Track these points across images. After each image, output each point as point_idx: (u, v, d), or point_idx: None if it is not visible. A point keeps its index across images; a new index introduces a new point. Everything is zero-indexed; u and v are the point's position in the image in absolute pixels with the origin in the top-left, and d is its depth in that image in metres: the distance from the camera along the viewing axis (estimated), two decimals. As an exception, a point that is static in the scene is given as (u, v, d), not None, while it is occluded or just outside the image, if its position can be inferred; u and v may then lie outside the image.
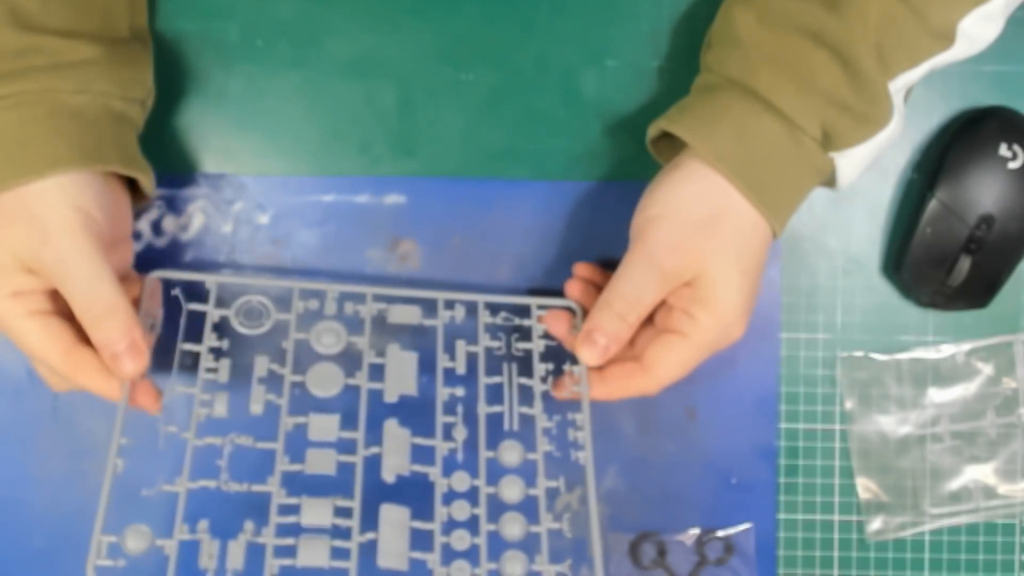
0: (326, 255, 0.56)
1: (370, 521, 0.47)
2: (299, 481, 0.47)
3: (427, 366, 0.51)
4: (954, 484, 0.56)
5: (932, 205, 0.55)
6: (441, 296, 0.52)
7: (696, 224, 0.47)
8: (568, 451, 0.50)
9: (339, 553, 0.46)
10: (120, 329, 0.45)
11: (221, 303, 0.51)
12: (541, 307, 0.52)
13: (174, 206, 0.56)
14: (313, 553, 0.46)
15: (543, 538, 0.48)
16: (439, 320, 0.52)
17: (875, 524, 0.56)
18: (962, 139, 0.55)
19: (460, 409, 0.50)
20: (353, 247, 0.56)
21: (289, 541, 0.46)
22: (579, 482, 0.50)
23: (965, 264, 0.55)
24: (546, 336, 0.52)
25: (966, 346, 0.57)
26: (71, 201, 0.45)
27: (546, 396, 0.51)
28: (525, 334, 0.52)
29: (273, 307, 0.51)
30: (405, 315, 0.52)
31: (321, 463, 0.48)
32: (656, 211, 0.48)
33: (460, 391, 0.50)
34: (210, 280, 0.51)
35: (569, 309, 0.52)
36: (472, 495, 0.48)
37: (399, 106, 0.56)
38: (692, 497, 0.56)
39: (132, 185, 0.50)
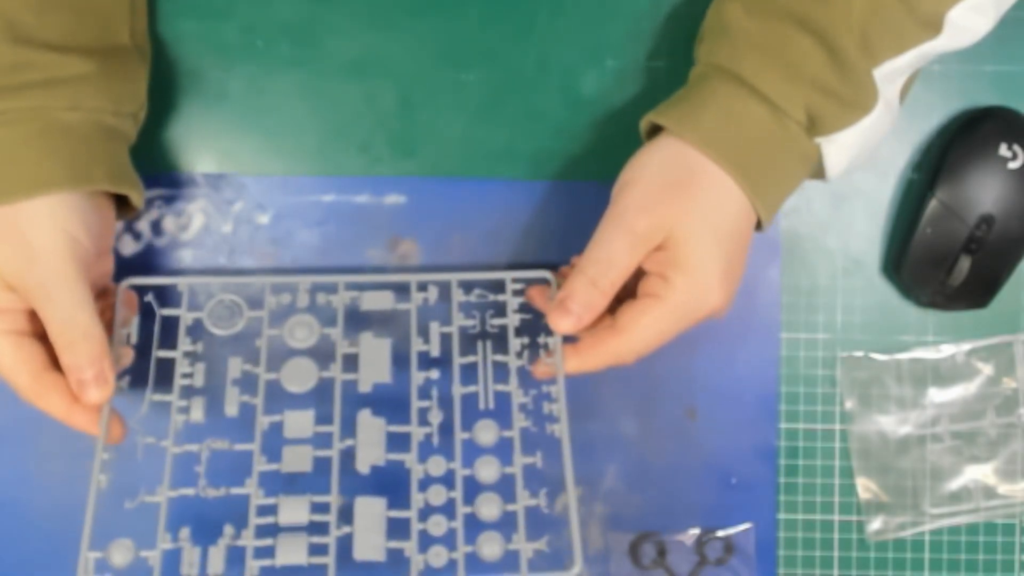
0: (326, 255, 0.56)
1: (347, 515, 0.47)
2: (277, 480, 0.48)
3: (401, 352, 0.51)
4: (954, 484, 0.56)
5: (932, 205, 0.55)
6: (413, 278, 0.52)
7: (666, 186, 0.47)
8: (544, 425, 0.49)
9: (317, 549, 0.46)
10: (91, 357, 0.45)
11: (194, 306, 0.51)
12: (516, 280, 0.52)
13: (174, 206, 0.56)
14: (291, 551, 0.46)
15: (520, 516, 0.47)
16: (412, 303, 0.51)
17: (875, 524, 0.56)
18: (962, 139, 0.55)
19: (435, 392, 0.50)
20: (353, 247, 0.56)
21: (268, 541, 0.46)
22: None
23: (965, 264, 0.55)
24: (522, 310, 0.51)
25: (966, 346, 0.57)
26: (60, 225, 0.45)
27: (522, 371, 0.50)
28: (500, 310, 0.52)
29: (245, 305, 0.52)
30: (378, 301, 0.51)
31: (297, 460, 0.48)
32: (628, 176, 0.48)
33: (435, 374, 0.50)
34: (182, 283, 0.52)
35: (545, 281, 0.52)
36: (448, 479, 0.48)
37: (399, 106, 0.56)
38: (692, 497, 0.56)
39: (120, 196, 0.50)
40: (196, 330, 0.51)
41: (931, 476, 0.56)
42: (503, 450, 0.49)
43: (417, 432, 0.49)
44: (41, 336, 0.46)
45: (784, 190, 0.49)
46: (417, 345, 0.51)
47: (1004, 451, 0.57)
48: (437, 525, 0.48)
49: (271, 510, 0.47)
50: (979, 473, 0.56)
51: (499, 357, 0.51)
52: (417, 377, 0.50)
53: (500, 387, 0.50)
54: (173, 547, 0.46)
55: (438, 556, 0.47)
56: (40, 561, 0.55)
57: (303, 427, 0.49)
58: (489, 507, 0.48)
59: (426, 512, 0.48)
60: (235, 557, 0.46)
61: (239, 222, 0.56)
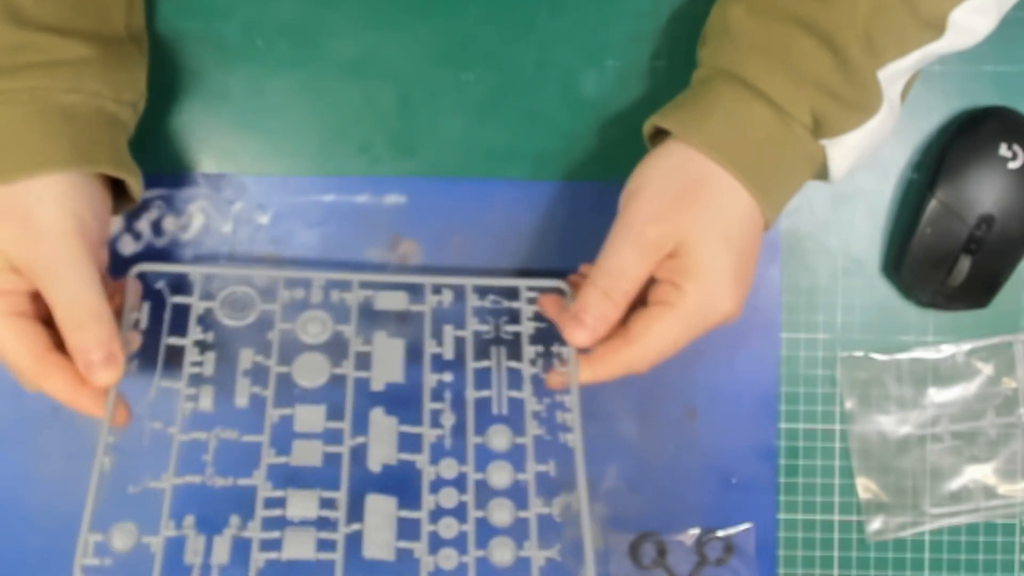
0: (326, 255, 0.56)
1: (356, 512, 0.47)
2: (285, 473, 0.47)
3: (414, 353, 0.51)
4: (954, 484, 0.56)
5: (932, 205, 0.55)
6: (429, 281, 0.52)
7: (675, 193, 0.46)
8: (557, 434, 0.49)
9: (325, 545, 0.46)
10: (100, 338, 0.44)
11: (206, 295, 0.51)
12: (531, 288, 0.52)
13: (174, 206, 0.56)
14: (298, 546, 0.45)
15: (532, 523, 0.47)
16: (426, 305, 0.51)
17: (875, 524, 0.56)
18: (962, 139, 0.55)
19: (448, 395, 0.50)
20: (353, 247, 0.56)
21: (275, 534, 0.46)
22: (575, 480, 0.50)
23: (965, 264, 0.55)
24: (536, 318, 0.51)
25: (966, 346, 0.57)
26: (67, 204, 0.45)
27: (535, 379, 0.50)
28: (514, 317, 0.52)
29: (258, 297, 0.51)
30: (392, 301, 0.51)
31: (307, 454, 0.48)
32: (635, 184, 0.48)
33: (448, 377, 0.50)
34: (195, 272, 0.51)
35: (559, 290, 0.51)
36: (460, 482, 0.48)
37: (399, 106, 0.56)
38: (692, 497, 0.56)
39: (117, 188, 0.50)
40: (207, 320, 0.50)
41: (931, 476, 0.56)
42: (515, 456, 0.49)
43: (429, 434, 0.49)
44: (43, 320, 0.46)
45: (788, 192, 0.48)
46: (431, 347, 0.50)
47: (1004, 451, 0.57)
48: (448, 527, 0.47)
49: (279, 503, 0.46)
50: (979, 473, 0.56)
51: (513, 363, 0.51)
52: (430, 379, 0.50)
53: (514, 393, 0.50)
54: (177, 534, 0.45)
55: (448, 558, 0.46)
56: (38, 561, 0.55)
57: (314, 422, 0.48)
58: (501, 512, 0.48)
59: (437, 514, 0.47)
60: (240, 549, 0.46)
61: (239, 222, 0.56)
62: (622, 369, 0.48)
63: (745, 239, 0.47)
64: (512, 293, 0.52)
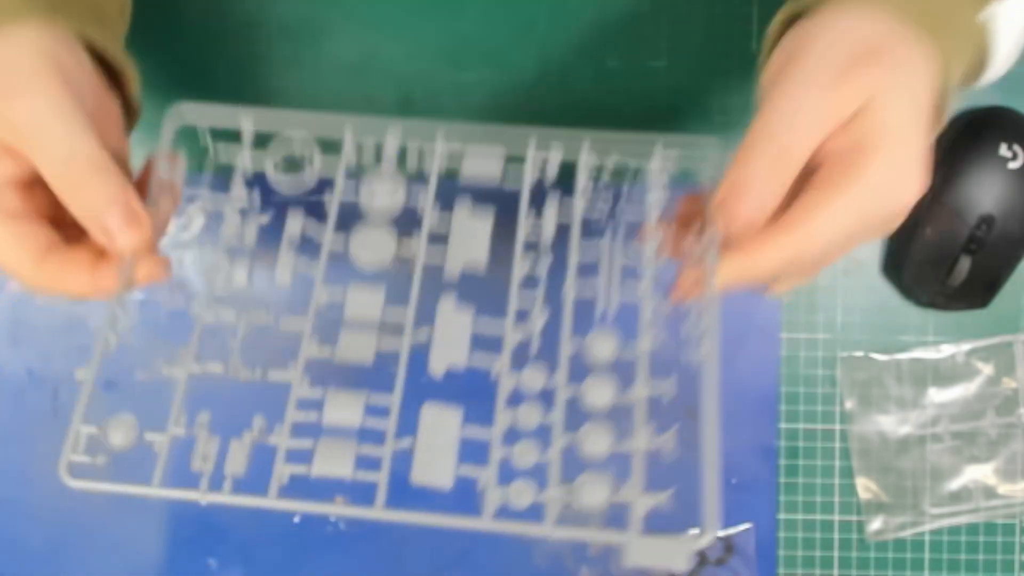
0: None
1: (409, 425, 0.37)
2: (327, 371, 0.38)
3: (503, 234, 0.40)
4: (954, 484, 0.56)
5: (932, 205, 0.55)
6: (535, 132, 0.41)
7: (848, 53, 0.36)
8: (680, 349, 0.38)
9: (366, 463, 0.36)
10: (110, 193, 0.36)
11: (255, 146, 0.42)
12: (669, 146, 0.41)
13: (174, 206, 0.56)
14: (334, 460, 0.36)
15: (636, 459, 0.37)
16: (527, 170, 0.40)
17: (875, 524, 0.56)
18: (962, 139, 0.55)
19: (541, 288, 0.39)
20: (353, 247, 0.56)
21: (306, 443, 0.36)
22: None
23: (965, 264, 0.55)
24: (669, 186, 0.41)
25: (966, 346, 0.57)
26: (43, 49, 0.37)
27: (659, 277, 0.39)
28: (638, 195, 0.41)
29: (318, 153, 0.42)
30: (483, 166, 0.41)
31: (356, 349, 0.38)
32: (792, 47, 0.37)
33: (544, 266, 0.39)
34: (245, 117, 0.41)
35: (705, 154, 0.41)
36: (547, 398, 0.37)
37: (399, 106, 0.56)
38: (692, 497, 0.56)
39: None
40: (254, 177, 0.41)
41: (931, 476, 0.56)
42: (622, 372, 0.38)
43: (512, 334, 0.38)
44: (41, 216, 0.38)
45: (956, 74, 0.39)
46: (526, 227, 0.40)
47: (1004, 451, 0.57)
48: (525, 454, 0.36)
49: (315, 405, 0.37)
50: (979, 473, 0.56)
51: (628, 259, 0.40)
52: (521, 266, 0.39)
53: (627, 294, 0.40)
54: (186, 435, 0.37)
55: (521, 494, 0.35)
56: (40, 561, 0.55)
57: (369, 309, 0.39)
58: (597, 441, 0.37)
59: (512, 436, 0.36)
60: (261, 459, 0.36)
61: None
62: (782, 261, 0.37)
63: (929, 110, 0.37)
64: (642, 155, 0.41)
